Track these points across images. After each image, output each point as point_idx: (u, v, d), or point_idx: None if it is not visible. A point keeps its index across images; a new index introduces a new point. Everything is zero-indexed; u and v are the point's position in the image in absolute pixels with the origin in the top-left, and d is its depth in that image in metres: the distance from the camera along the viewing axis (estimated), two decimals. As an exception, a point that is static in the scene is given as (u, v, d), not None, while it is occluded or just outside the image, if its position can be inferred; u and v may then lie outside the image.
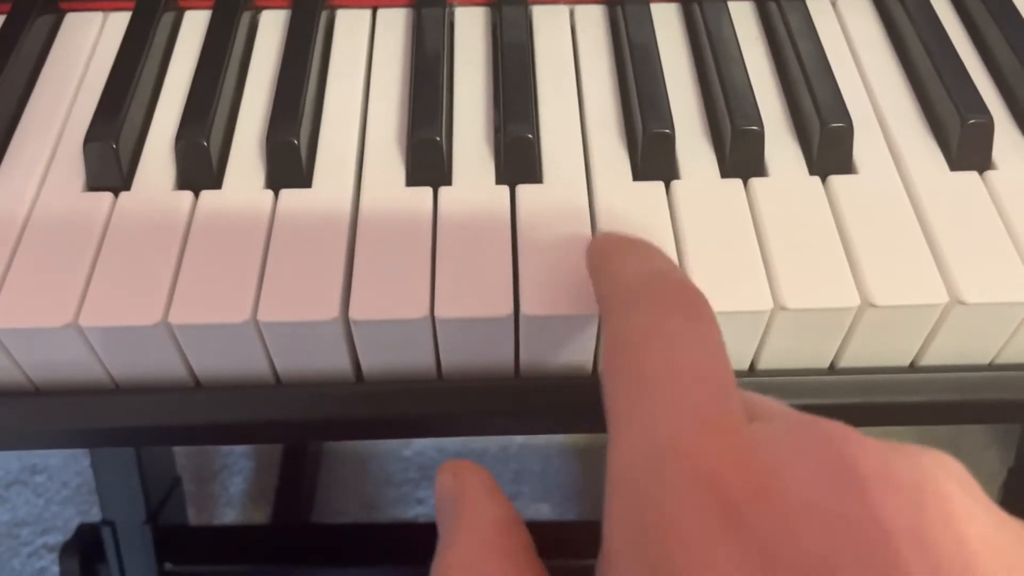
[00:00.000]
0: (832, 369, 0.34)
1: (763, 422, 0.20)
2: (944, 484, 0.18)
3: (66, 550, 0.75)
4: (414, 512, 0.97)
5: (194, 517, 0.96)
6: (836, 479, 0.18)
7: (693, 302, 0.23)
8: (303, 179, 0.35)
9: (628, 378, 0.21)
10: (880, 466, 0.18)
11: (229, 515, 0.98)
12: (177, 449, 0.91)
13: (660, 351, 0.21)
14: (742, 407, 0.20)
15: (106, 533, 0.75)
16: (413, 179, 0.35)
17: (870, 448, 0.19)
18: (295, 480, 0.96)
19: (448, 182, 0.35)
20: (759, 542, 0.17)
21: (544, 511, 0.97)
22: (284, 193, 0.35)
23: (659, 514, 0.18)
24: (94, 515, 0.95)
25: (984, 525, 0.18)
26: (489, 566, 0.22)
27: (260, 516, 0.97)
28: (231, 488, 1.00)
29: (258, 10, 0.43)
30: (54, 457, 1.02)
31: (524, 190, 0.35)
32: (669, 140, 0.35)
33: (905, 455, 0.19)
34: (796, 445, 0.19)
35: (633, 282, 0.24)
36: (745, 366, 0.33)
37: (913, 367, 0.34)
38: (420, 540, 0.81)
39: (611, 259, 0.26)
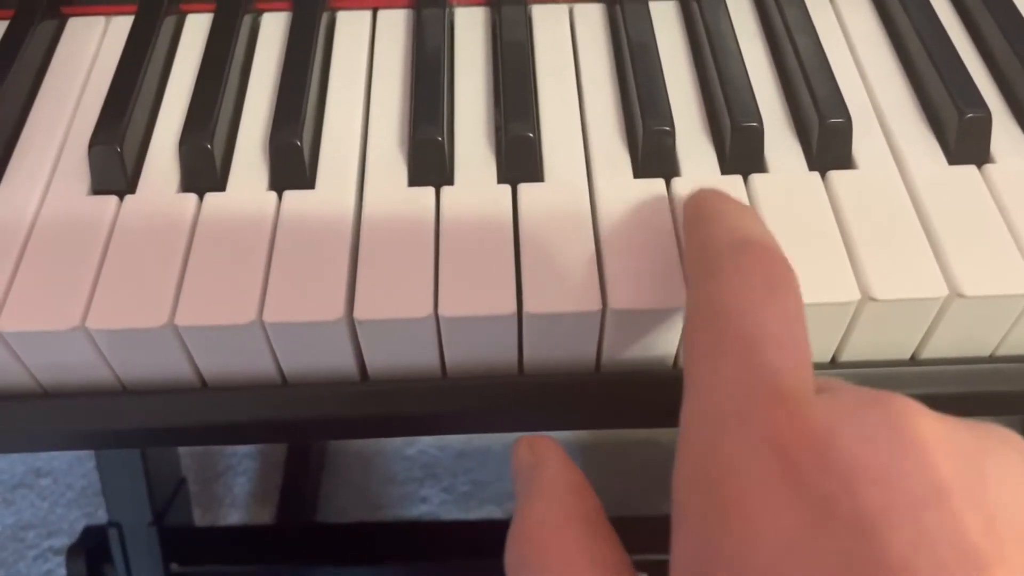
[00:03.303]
0: (833, 363, 0.34)
1: (829, 393, 0.21)
2: (1005, 453, 0.19)
3: (72, 552, 0.75)
4: (418, 511, 0.97)
5: (199, 518, 0.96)
6: (895, 443, 0.19)
7: (777, 273, 0.23)
8: (306, 180, 0.35)
9: (707, 345, 0.22)
10: (940, 432, 0.19)
11: (234, 515, 0.98)
12: (181, 450, 0.91)
13: (740, 321, 0.22)
14: (812, 380, 0.21)
15: (112, 535, 0.75)
16: (415, 179, 0.35)
17: (933, 418, 0.20)
18: (299, 480, 0.96)
19: (450, 182, 0.35)
20: (817, 498, 0.18)
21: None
22: (288, 194, 0.35)
23: (724, 470, 0.19)
24: (99, 518, 0.95)
25: None
26: (565, 525, 0.23)
27: (265, 516, 0.98)
28: (235, 489, 1.00)
29: (259, 12, 0.43)
30: (59, 460, 1.02)
31: (525, 189, 0.35)
32: (669, 137, 0.36)
33: (968, 427, 0.20)
34: (858, 412, 0.20)
35: (720, 250, 0.24)
36: (747, 361, 0.34)
37: (914, 360, 0.34)
38: (425, 538, 0.81)
39: (701, 224, 0.26)
